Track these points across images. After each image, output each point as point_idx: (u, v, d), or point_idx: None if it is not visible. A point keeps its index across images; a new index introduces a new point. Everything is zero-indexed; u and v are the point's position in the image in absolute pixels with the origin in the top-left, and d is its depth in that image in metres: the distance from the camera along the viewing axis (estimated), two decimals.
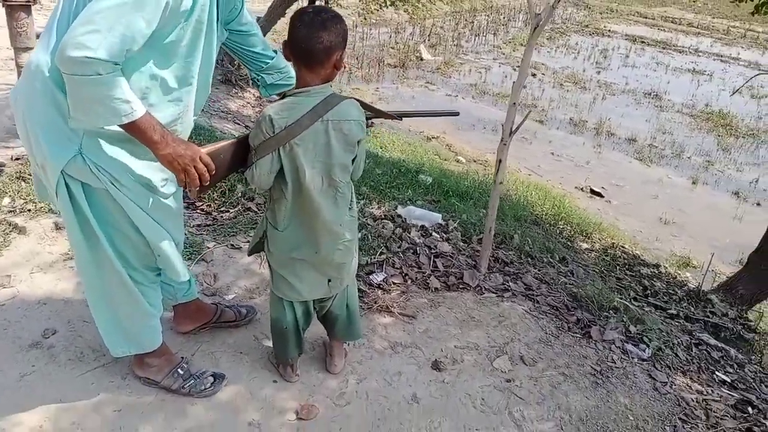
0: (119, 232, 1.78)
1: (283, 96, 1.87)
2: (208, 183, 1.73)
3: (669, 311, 3.55)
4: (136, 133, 1.56)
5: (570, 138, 9.46)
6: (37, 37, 3.21)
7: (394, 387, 2.26)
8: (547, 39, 16.93)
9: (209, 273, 2.72)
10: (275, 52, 2.04)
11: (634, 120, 10.35)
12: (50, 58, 1.55)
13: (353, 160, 1.89)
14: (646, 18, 22.61)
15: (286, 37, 1.78)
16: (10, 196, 2.96)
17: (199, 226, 3.07)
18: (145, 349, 2.02)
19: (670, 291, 4.11)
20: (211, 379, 2.14)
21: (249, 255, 2.23)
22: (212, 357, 2.28)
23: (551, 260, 3.67)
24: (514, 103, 2.99)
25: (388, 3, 7.82)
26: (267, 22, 7.19)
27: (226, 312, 2.40)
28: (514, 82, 3.01)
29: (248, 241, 2.94)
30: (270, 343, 2.30)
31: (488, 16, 19.30)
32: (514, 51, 15.02)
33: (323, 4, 7.70)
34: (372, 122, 2.05)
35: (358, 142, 1.86)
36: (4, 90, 4.69)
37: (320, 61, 1.75)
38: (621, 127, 9.91)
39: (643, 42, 17.71)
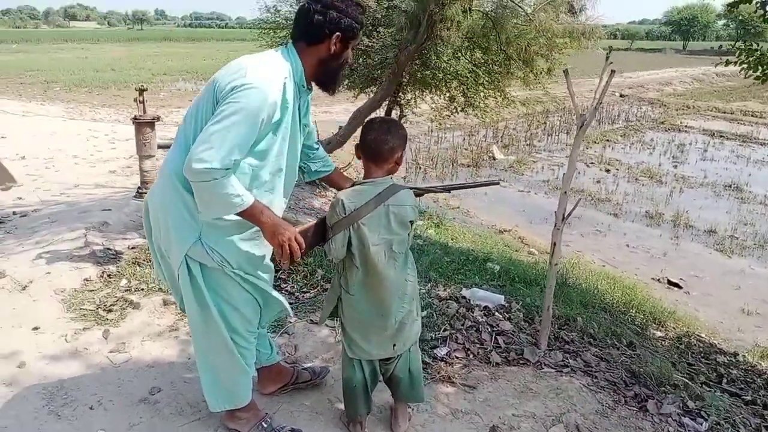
0: (227, 303, 2.18)
1: (353, 184, 2.29)
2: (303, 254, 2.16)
3: (744, 398, 3.53)
4: (248, 217, 2.00)
5: (646, 230, 9.45)
6: (159, 147, 3.87)
7: None
8: (621, 136, 17.13)
9: (291, 344, 3.08)
10: (318, 143, 2.52)
11: (713, 212, 10.21)
12: (179, 167, 2.00)
13: (409, 236, 2.26)
14: (724, 113, 22.39)
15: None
16: (126, 278, 3.51)
17: None
18: (238, 405, 2.35)
19: (748, 379, 4.04)
20: None
21: (321, 322, 2.58)
22: (291, 415, 2.58)
23: (616, 343, 3.78)
24: (566, 192, 3.28)
25: (459, 109, 8.38)
26: (347, 131, 7.90)
27: (302, 373, 2.72)
28: (564, 174, 3.31)
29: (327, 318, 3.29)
30: (342, 406, 2.58)
31: (561, 116, 19.80)
32: (587, 148, 15.27)
33: (399, 112, 8.39)
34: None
35: (411, 222, 2.24)
36: (122, 192, 5.46)
37: (385, 158, 2.20)
38: (700, 219, 9.80)
39: (721, 136, 17.54)
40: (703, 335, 5.47)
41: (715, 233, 9.22)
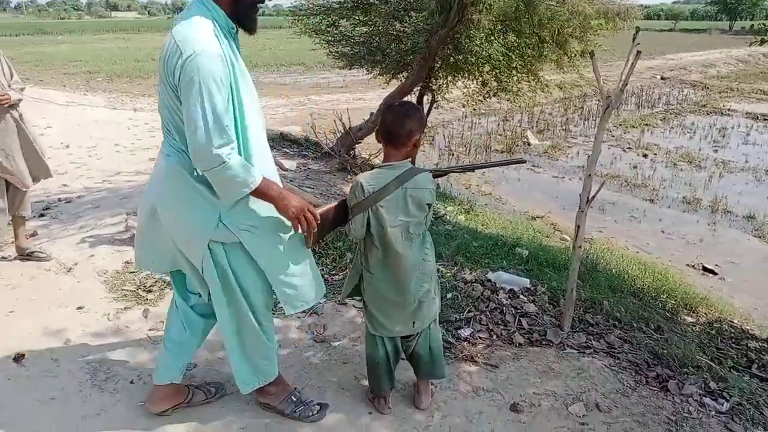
0: (249, 281, 2.24)
1: (372, 167, 2.38)
2: (320, 233, 2.25)
3: None
4: (260, 195, 2.09)
5: (682, 216, 9.29)
6: None
7: (475, 424, 2.55)
8: (661, 120, 16.76)
9: (320, 324, 3.20)
10: None
11: (753, 197, 9.97)
12: (182, 158, 2.08)
13: (426, 218, 2.34)
14: None
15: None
16: None
17: None
18: (268, 379, 2.46)
19: None
20: (318, 407, 2.55)
21: (342, 298, 2.69)
22: (319, 391, 2.70)
23: (643, 327, 3.79)
24: (590, 175, 3.30)
25: (492, 94, 8.36)
26: (378, 116, 7.97)
27: (197, 393, 2.61)
28: (588, 157, 3.33)
29: (353, 299, 3.41)
30: (367, 383, 2.69)
31: (599, 101, 19.39)
32: (625, 133, 15.01)
33: (431, 97, 8.41)
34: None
35: (428, 205, 2.32)
36: None
37: (403, 142, 2.27)
38: (739, 204, 9.58)
39: (766, 119, 16.99)
40: (735, 321, 5.39)
41: (754, 219, 9.01)
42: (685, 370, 3.04)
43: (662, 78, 24.85)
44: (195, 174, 2.09)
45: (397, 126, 2.26)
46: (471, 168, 2.67)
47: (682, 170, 11.66)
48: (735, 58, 34.01)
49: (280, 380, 2.54)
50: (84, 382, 2.68)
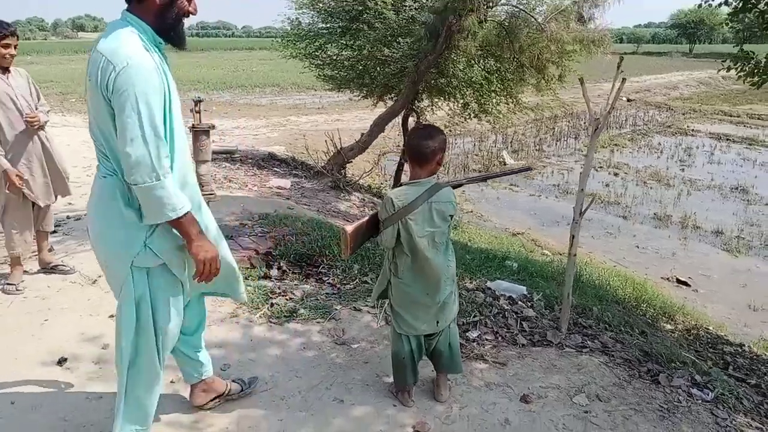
0: (165, 306, 2.17)
1: (400, 184, 2.67)
2: (355, 244, 2.53)
3: (749, 382, 3.85)
4: (180, 227, 2.03)
5: (654, 232, 9.76)
6: (214, 153, 4.24)
7: (490, 413, 2.81)
8: (629, 140, 17.44)
9: (339, 328, 3.44)
10: None
11: (720, 213, 10.51)
12: (114, 177, 2.04)
13: (449, 228, 2.64)
14: (731, 116, 22.66)
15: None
16: None
17: (327, 294, 3.85)
18: (145, 427, 2.30)
19: (753, 367, 4.35)
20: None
21: (372, 300, 2.94)
22: (345, 387, 2.93)
23: (629, 331, 4.10)
24: (582, 189, 3.62)
25: (472, 115, 8.73)
26: (369, 138, 8.28)
27: (233, 386, 2.75)
28: (580, 173, 3.66)
29: (367, 305, 3.66)
30: (389, 380, 2.94)
31: (569, 121, 20.14)
32: (595, 153, 15.58)
33: (416, 118, 8.76)
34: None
35: (451, 216, 2.62)
36: None
37: (428, 160, 2.56)
38: (707, 220, 10.09)
39: (728, 139, 17.82)
40: (710, 328, 5.78)
41: (722, 234, 9.51)
42: (673, 365, 3.35)
43: (628, 100, 25.77)
44: (126, 197, 2.04)
45: (422, 147, 2.55)
46: (484, 178, 2.99)
47: (651, 188, 12.21)
48: (696, 80, 35.42)
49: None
50: None
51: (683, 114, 23.30)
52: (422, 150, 2.55)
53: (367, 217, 2.67)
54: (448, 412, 2.80)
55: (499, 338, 3.50)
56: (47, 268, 4.02)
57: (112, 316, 3.47)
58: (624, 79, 3.47)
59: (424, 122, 8.49)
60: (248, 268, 4.16)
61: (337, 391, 2.88)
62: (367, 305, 3.68)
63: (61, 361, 2.97)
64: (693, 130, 19.48)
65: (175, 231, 2.09)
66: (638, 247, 9.06)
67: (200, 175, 3.84)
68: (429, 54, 6.91)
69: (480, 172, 13.07)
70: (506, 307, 3.83)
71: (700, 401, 3.03)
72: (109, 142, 2.00)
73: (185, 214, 2.01)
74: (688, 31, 77.08)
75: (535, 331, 3.60)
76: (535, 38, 7.15)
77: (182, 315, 2.29)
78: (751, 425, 2.88)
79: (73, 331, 3.26)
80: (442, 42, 6.72)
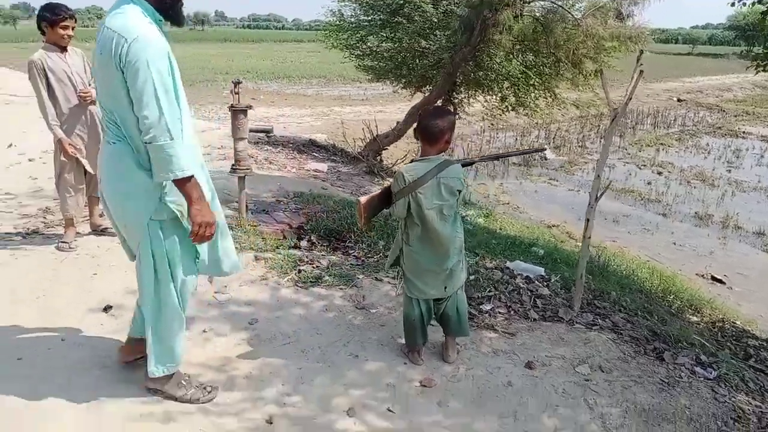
0: (179, 258, 2.39)
1: (412, 160, 2.87)
2: (369, 215, 2.75)
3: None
4: (184, 188, 2.23)
5: (694, 230, 9.65)
6: (251, 131, 4.54)
7: (494, 375, 2.99)
8: (676, 140, 17.12)
9: (360, 294, 3.68)
10: None
11: (764, 215, 10.29)
12: (125, 141, 2.26)
13: (456, 202, 2.83)
14: None
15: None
16: None
17: (352, 265, 4.10)
18: (176, 366, 2.57)
19: None
20: (209, 390, 2.68)
21: (386, 268, 3.16)
22: (361, 345, 3.16)
23: (647, 317, 4.19)
24: (598, 175, 3.75)
25: (510, 108, 8.83)
26: (404, 126, 8.49)
27: None
28: (597, 161, 3.78)
29: (388, 276, 3.89)
30: (402, 341, 3.15)
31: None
32: (639, 151, 15.39)
33: (453, 110, 8.91)
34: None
35: (459, 191, 2.81)
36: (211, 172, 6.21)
37: (437, 139, 2.77)
38: (750, 221, 9.92)
39: None
40: (737, 322, 5.77)
41: (764, 235, 9.34)
42: (680, 345, 3.46)
43: (678, 100, 25.19)
44: (137, 159, 2.25)
45: (432, 126, 2.75)
46: (496, 157, 3.17)
47: (695, 188, 12.02)
48: (752, 83, 34.22)
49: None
50: None
51: (735, 116, 22.63)
52: (432, 129, 2.75)
53: (379, 190, 2.90)
54: (454, 371, 3.00)
55: (512, 312, 3.66)
56: (97, 231, 4.39)
57: None
58: (641, 72, 3.57)
59: (454, 113, 8.65)
60: (280, 239, 4.44)
61: (353, 348, 3.12)
62: (387, 276, 3.90)
63: (107, 309, 3.30)
64: (744, 132, 18.94)
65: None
66: (675, 244, 8.99)
67: (237, 151, 4.13)
68: (464, 47, 7.05)
69: (519, 165, 13.11)
70: (522, 285, 3.98)
71: (702, 379, 3.14)
72: (119, 109, 2.21)
73: (190, 177, 2.22)
74: (746, 32, 74.25)
75: (547, 308, 3.75)
76: (571, 34, 7.21)
77: (196, 266, 2.51)
78: (750, 403, 2.97)
79: (119, 285, 3.59)
80: (476, 35, 6.86)
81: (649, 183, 12.16)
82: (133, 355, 2.76)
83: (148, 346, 2.49)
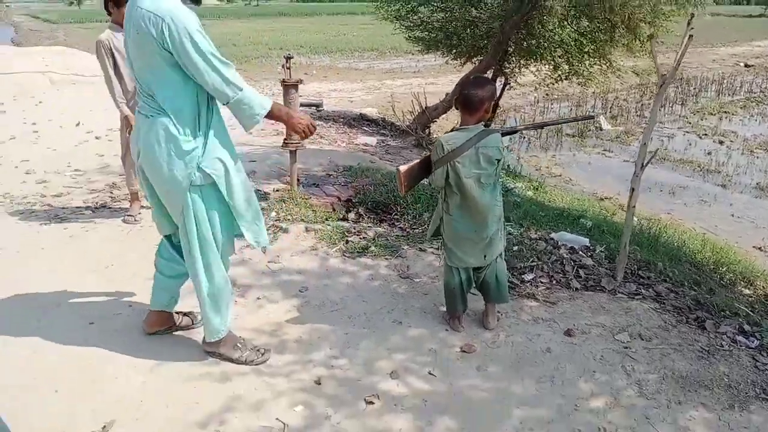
0: (218, 223, 2.55)
1: (452, 129, 2.95)
2: (410, 183, 2.86)
3: None
4: (273, 116, 2.51)
5: (754, 201, 9.33)
6: (301, 105, 4.70)
7: (533, 342, 3.09)
8: (741, 108, 16.38)
9: (404, 264, 3.82)
10: None
11: None
12: (164, 115, 2.38)
13: (495, 171, 2.89)
14: None
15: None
16: (276, 211, 4.40)
17: (397, 236, 4.24)
18: (227, 329, 2.75)
19: None
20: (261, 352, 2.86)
21: (428, 238, 3.28)
22: (405, 312, 3.31)
23: (695, 288, 4.17)
24: (645, 144, 3.73)
25: (563, 77, 8.68)
26: (453, 96, 8.48)
27: (184, 319, 3.07)
28: (644, 127, 3.76)
29: (432, 247, 4.01)
30: (444, 308, 3.28)
31: (676, 87, 19.10)
32: (701, 120, 14.84)
33: (504, 80, 8.83)
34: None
35: (498, 160, 2.87)
36: (262, 149, 6.45)
37: (477, 108, 2.83)
38: None
39: None
40: None
41: None
42: (724, 314, 3.46)
43: (746, 65, 23.95)
44: (174, 130, 2.37)
45: (471, 96, 2.81)
46: (540, 126, 3.18)
47: (758, 158, 11.55)
48: None
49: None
50: None
51: None
52: (471, 99, 2.81)
53: (419, 159, 2.99)
54: (494, 338, 3.11)
55: (554, 282, 3.73)
56: None
57: None
58: (691, 36, 3.52)
59: (505, 83, 8.59)
60: (330, 211, 4.62)
61: (397, 315, 3.27)
62: (431, 246, 4.03)
63: None
64: None
65: (220, 149, 2.48)
66: (733, 216, 8.72)
67: None
68: (515, 14, 6.98)
69: (573, 136, 12.88)
70: (565, 256, 4.03)
71: (743, 347, 3.15)
72: (157, 83, 2.36)
73: (272, 106, 2.48)
74: None
75: (590, 278, 3.80)
76: None
77: (233, 229, 2.65)
78: None
79: None
80: (528, 1, 6.78)
81: (709, 153, 11.76)
82: (155, 326, 2.96)
83: (203, 312, 2.69)
